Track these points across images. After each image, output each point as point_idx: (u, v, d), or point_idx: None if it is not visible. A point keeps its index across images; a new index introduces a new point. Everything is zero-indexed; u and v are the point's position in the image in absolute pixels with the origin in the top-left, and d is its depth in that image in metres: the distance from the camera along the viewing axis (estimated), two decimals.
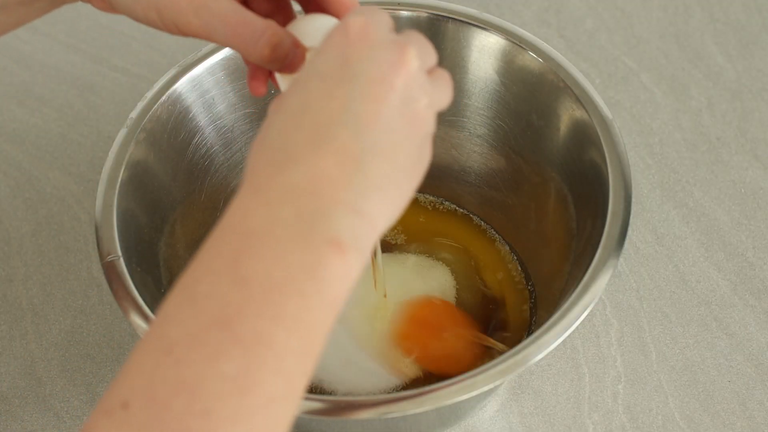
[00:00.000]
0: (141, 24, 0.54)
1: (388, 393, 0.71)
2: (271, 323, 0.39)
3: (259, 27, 0.50)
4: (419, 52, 0.45)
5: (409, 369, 0.73)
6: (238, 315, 0.39)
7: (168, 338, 0.39)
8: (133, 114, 0.69)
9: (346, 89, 0.43)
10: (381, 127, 0.43)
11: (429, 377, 0.73)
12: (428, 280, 0.76)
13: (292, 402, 0.40)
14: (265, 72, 0.56)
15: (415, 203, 0.84)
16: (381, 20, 0.45)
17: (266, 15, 0.55)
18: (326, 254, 0.40)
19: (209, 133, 0.73)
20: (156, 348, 0.39)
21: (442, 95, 0.47)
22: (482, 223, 0.82)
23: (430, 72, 0.46)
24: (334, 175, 0.41)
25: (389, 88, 0.43)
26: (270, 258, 0.40)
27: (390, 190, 0.43)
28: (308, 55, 0.51)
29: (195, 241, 0.75)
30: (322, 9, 0.54)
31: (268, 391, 0.38)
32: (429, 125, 0.45)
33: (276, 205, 0.41)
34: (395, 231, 0.82)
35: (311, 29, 0.52)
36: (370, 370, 0.72)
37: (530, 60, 0.71)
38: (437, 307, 0.75)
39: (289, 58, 0.51)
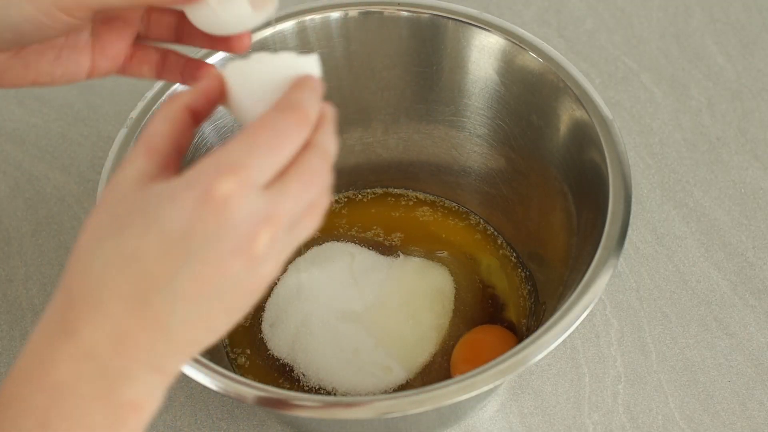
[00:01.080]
0: None
1: (388, 393, 0.71)
2: None
3: None
4: (285, 214, 0.42)
5: (407, 369, 0.73)
6: None
7: None
8: (133, 114, 0.69)
9: (182, 259, 0.41)
10: (203, 304, 0.42)
11: (427, 378, 0.73)
12: (428, 280, 0.76)
13: None
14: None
15: (415, 203, 0.84)
16: (261, 175, 0.42)
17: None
18: (126, 414, 0.42)
19: (209, 133, 0.73)
20: None
21: (300, 239, 0.44)
22: (482, 222, 0.82)
23: (295, 223, 0.43)
24: (141, 341, 0.41)
25: (222, 274, 0.41)
26: (75, 417, 0.41)
27: (194, 348, 0.44)
28: (232, 67, 0.46)
29: None
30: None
31: None
32: (267, 282, 0.44)
33: (82, 361, 0.41)
34: (395, 232, 0.82)
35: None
36: (370, 370, 0.72)
37: (530, 60, 0.71)
38: (496, 333, 0.75)
39: None
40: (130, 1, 0.50)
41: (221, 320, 0.43)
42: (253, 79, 0.46)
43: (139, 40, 0.56)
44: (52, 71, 0.54)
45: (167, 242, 0.41)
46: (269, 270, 0.43)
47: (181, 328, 0.42)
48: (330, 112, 0.46)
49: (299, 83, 0.46)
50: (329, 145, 0.45)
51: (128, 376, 0.42)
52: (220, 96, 0.46)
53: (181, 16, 0.55)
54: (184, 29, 0.56)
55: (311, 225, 0.45)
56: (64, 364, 0.41)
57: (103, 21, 0.55)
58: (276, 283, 0.77)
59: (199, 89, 0.46)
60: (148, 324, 0.41)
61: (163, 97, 0.70)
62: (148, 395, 0.43)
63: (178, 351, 0.43)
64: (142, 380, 0.42)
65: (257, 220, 0.41)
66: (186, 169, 0.42)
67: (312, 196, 0.44)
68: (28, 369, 0.42)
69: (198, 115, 0.46)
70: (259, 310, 0.77)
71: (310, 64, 0.47)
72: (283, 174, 0.43)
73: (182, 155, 0.46)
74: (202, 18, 0.51)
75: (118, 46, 0.55)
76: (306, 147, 0.44)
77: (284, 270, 0.78)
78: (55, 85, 0.55)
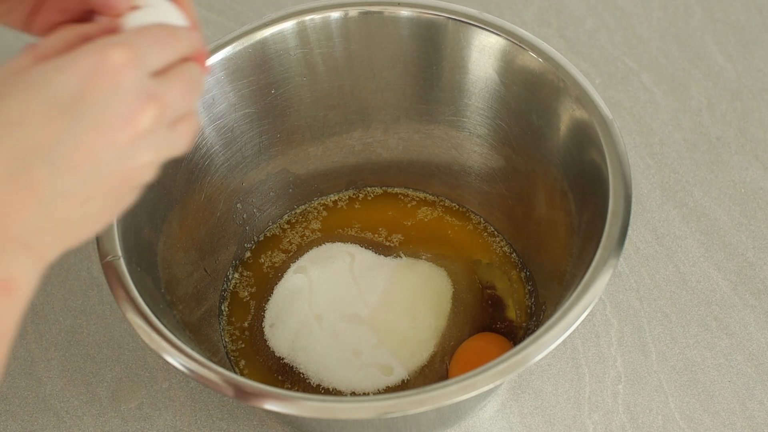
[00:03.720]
0: None
1: (388, 393, 0.71)
2: None
3: None
4: (167, 102, 0.43)
5: (406, 370, 0.73)
6: None
7: None
8: None
9: (67, 124, 0.41)
10: (83, 176, 0.41)
11: (427, 378, 0.73)
12: (428, 280, 0.76)
13: None
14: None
15: (415, 203, 0.84)
16: (147, 60, 0.43)
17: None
18: None
19: (209, 133, 0.73)
20: None
21: (176, 147, 0.45)
22: (482, 222, 0.82)
23: (177, 119, 0.45)
24: (16, 210, 0.40)
25: (108, 143, 0.41)
26: None
27: (69, 233, 0.42)
28: (127, 16, 0.47)
29: (194, 241, 0.75)
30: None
31: None
32: (144, 179, 0.44)
33: None
34: (395, 232, 0.82)
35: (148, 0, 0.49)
36: (370, 370, 0.72)
37: (530, 60, 0.71)
38: (493, 340, 0.75)
39: None
40: None
41: (98, 204, 0.43)
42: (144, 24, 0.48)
43: None
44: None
45: (54, 107, 0.40)
46: (147, 160, 0.43)
47: (59, 201, 0.41)
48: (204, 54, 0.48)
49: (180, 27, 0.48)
50: (201, 75, 0.47)
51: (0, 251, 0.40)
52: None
53: None
54: None
55: (187, 136, 0.46)
56: None
57: None
58: (277, 283, 0.77)
59: (98, 25, 0.47)
60: (25, 192, 0.40)
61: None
62: (20, 276, 0.41)
63: (53, 228, 0.41)
64: (14, 259, 0.40)
65: (145, 95, 0.42)
66: None
67: (189, 102, 0.45)
68: None
69: None
70: (259, 310, 0.77)
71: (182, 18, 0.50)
72: (166, 72, 0.45)
73: None
74: None
75: None
76: (184, 61, 0.46)
77: (285, 269, 0.78)
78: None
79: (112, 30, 0.46)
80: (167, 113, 0.44)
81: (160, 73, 0.44)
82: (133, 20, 0.47)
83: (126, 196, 0.44)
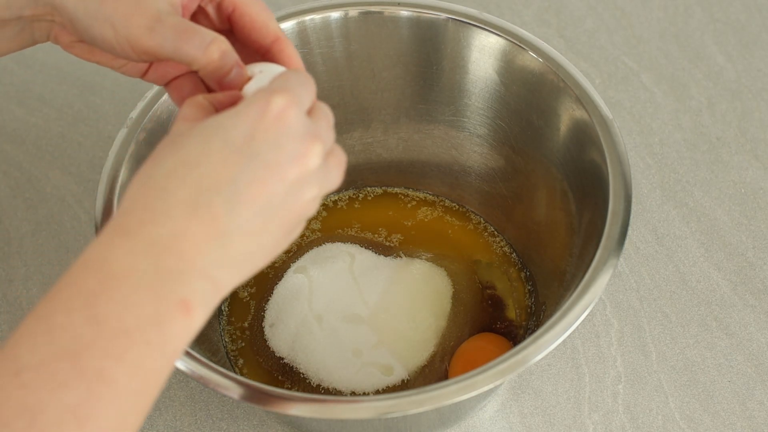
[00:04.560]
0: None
1: (388, 393, 0.71)
2: (114, 363, 0.41)
3: (208, 35, 0.52)
4: (324, 140, 0.47)
5: (405, 370, 0.73)
6: (87, 350, 0.41)
7: (19, 362, 0.40)
8: (133, 114, 0.69)
9: (241, 163, 0.45)
10: (257, 210, 0.45)
11: (427, 378, 0.73)
12: (428, 280, 0.76)
13: None
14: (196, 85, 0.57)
15: (415, 203, 0.84)
16: (303, 102, 0.47)
17: None
18: (175, 312, 0.43)
19: None
20: (5, 369, 0.40)
21: (332, 181, 0.49)
22: (482, 222, 0.82)
23: (328, 154, 0.49)
24: (198, 242, 0.44)
25: (280, 179, 0.45)
26: (125, 304, 0.42)
27: (245, 265, 0.46)
28: (247, 86, 0.52)
29: None
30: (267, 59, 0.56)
31: (102, 424, 0.41)
32: (309, 213, 0.48)
33: (139, 255, 0.43)
34: (395, 232, 0.82)
35: (257, 68, 0.53)
36: (370, 370, 0.72)
37: (530, 60, 0.71)
38: (494, 341, 0.75)
39: (232, 73, 0.52)
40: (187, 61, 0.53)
41: (271, 238, 0.46)
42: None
43: None
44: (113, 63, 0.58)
45: (229, 148, 0.45)
46: (312, 195, 0.47)
47: (237, 236, 0.44)
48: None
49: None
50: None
51: (181, 275, 0.43)
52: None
53: None
54: None
55: (339, 168, 0.49)
56: (122, 258, 0.43)
57: None
58: (277, 283, 0.77)
59: (226, 95, 0.52)
60: (206, 226, 0.44)
61: (164, 97, 0.70)
62: (200, 301, 0.44)
63: (231, 262, 0.45)
64: (194, 283, 0.43)
65: (309, 134, 0.47)
66: None
67: (333, 134, 0.49)
68: (86, 262, 0.43)
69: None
70: (259, 310, 0.77)
71: None
72: (312, 111, 0.49)
73: None
74: None
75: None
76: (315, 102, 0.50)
77: (285, 269, 0.78)
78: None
79: (238, 98, 0.51)
80: (326, 148, 0.48)
81: (309, 112, 0.49)
82: (253, 87, 0.52)
83: (295, 230, 0.48)
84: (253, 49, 0.56)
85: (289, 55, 0.55)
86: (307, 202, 0.47)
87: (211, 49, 0.51)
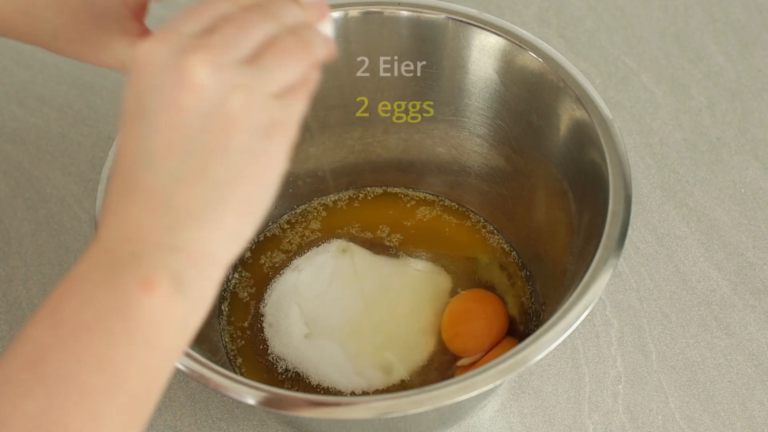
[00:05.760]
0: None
1: (388, 393, 0.71)
2: (75, 362, 0.40)
3: None
4: (213, 45, 0.41)
5: (405, 371, 0.73)
6: (48, 355, 0.40)
7: None
8: None
9: (139, 126, 0.42)
10: (180, 156, 0.41)
11: (427, 378, 0.73)
12: (428, 280, 0.76)
13: None
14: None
15: (415, 203, 0.84)
16: (170, 36, 0.42)
17: None
18: (135, 294, 0.41)
19: None
20: None
21: (274, 77, 0.42)
22: (482, 222, 0.82)
23: (256, 56, 0.42)
24: (140, 219, 0.42)
25: (176, 113, 0.41)
26: (81, 300, 0.41)
27: (212, 213, 0.42)
28: None
29: None
30: None
31: (71, 427, 0.40)
32: (254, 118, 0.41)
33: (96, 254, 0.42)
34: (395, 232, 0.82)
35: None
36: (370, 370, 0.72)
37: (530, 60, 0.71)
38: (480, 296, 0.75)
39: None
40: None
41: (221, 165, 0.41)
42: None
43: None
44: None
45: (127, 116, 0.42)
46: (240, 103, 0.41)
47: (177, 192, 0.41)
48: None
49: None
50: (310, 35, 0.44)
51: (135, 257, 0.41)
52: None
53: None
54: None
55: (278, 60, 0.42)
56: (84, 262, 0.42)
57: None
58: (277, 283, 0.77)
59: None
60: (144, 200, 0.42)
61: None
62: (166, 275, 0.41)
63: (188, 221, 0.41)
64: (151, 259, 0.41)
65: (178, 52, 0.41)
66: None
67: (291, 71, 0.43)
68: (62, 277, 0.43)
69: None
70: (259, 310, 0.77)
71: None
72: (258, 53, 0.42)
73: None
74: None
75: None
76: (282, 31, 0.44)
77: (285, 269, 0.78)
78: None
79: None
80: (236, 47, 0.42)
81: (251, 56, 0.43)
82: None
83: (254, 147, 0.42)
84: None
85: None
86: (237, 109, 0.41)
87: None
